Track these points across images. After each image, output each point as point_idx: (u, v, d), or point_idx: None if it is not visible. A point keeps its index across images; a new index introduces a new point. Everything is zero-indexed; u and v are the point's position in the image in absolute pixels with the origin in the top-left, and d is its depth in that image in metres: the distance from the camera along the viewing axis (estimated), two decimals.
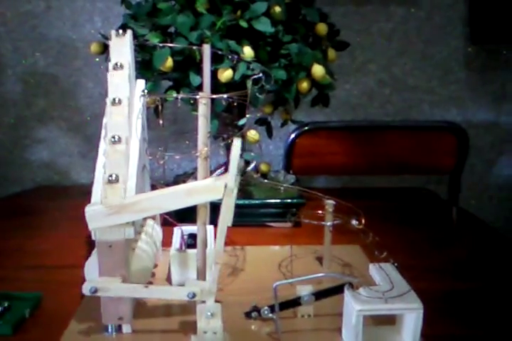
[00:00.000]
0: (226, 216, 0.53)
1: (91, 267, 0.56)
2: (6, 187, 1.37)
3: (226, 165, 0.94)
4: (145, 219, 0.70)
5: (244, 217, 0.93)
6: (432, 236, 0.91)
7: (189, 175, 1.00)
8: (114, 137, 0.55)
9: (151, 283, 0.68)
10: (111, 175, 0.53)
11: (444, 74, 1.38)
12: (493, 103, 1.42)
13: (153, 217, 0.73)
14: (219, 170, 0.55)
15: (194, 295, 0.53)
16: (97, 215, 0.51)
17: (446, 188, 1.34)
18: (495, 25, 1.30)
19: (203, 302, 0.54)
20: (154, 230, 0.69)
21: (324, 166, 1.32)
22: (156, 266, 0.73)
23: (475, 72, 1.38)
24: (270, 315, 0.57)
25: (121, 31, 0.63)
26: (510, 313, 0.64)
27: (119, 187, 0.52)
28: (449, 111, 1.41)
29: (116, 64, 0.59)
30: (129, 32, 0.63)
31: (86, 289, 0.53)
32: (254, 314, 0.58)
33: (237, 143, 0.51)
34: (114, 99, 0.57)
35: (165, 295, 0.56)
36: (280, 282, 0.55)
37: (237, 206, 0.93)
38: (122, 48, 0.61)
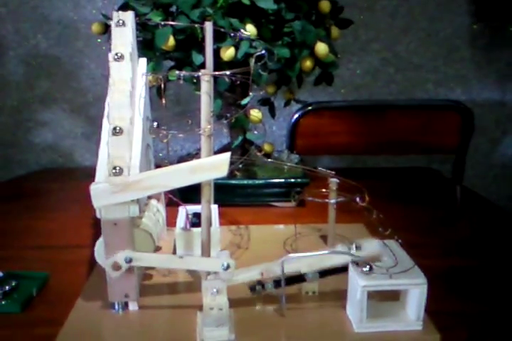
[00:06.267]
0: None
1: (101, 249, 0.56)
2: (10, 170, 1.38)
3: (229, 146, 0.95)
4: (149, 199, 0.70)
5: (248, 196, 0.94)
6: (436, 215, 0.91)
7: (193, 156, 1.00)
8: (115, 128, 0.55)
9: None
10: (115, 167, 0.53)
11: (448, 53, 1.37)
12: (499, 81, 1.41)
13: (158, 197, 0.73)
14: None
15: (228, 267, 0.54)
16: (102, 193, 0.51)
17: (450, 168, 1.34)
18: (500, 2, 1.28)
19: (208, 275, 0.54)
20: (158, 210, 0.69)
21: (328, 146, 1.31)
22: (159, 248, 0.73)
23: (480, 50, 1.37)
24: (274, 289, 0.57)
25: (120, 21, 0.61)
26: None
27: (124, 175, 0.53)
28: (454, 90, 1.41)
29: (117, 54, 0.59)
30: (131, 14, 0.62)
31: (121, 259, 0.54)
32: (258, 287, 0.58)
33: None
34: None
35: (199, 267, 0.56)
36: (286, 257, 0.56)
37: (241, 186, 0.94)
38: (123, 38, 0.60)
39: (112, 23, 0.61)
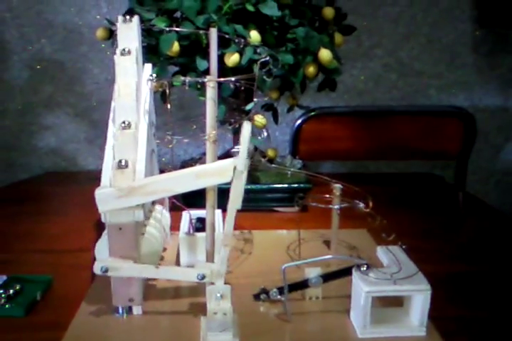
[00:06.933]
0: (235, 199, 0.53)
1: (101, 248, 0.57)
2: (14, 174, 1.38)
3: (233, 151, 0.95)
4: (153, 204, 0.71)
5: (251, 202, 0.94)
6: (438, 221, 0.91)
7: (196, 161, 1.00)
8: (124, 122, 0.55)
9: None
10: (120, 161, 0.53)
11: (451, 59, 1.37)
12: (501, 87, 1.41)
13: (162, 202, 0.73)
14: None
15: (203, 277, 0.54)
16: (107, 198, 0.51)
17: (452, 173, 1.34)
18: (503, 8, 1.29)
19: (212, 284, 0.54)
20: (163, 216, 0.70)
21: (330, 152, 1.31)
22: (164, 249, 0.73)
23: (483, 56, 1.37)
24: (279, 296, 0.57)
25: (128, 17, 0.62)
26: None
27: (129, 171, 0.53)
28: (456, 96, 1.41)
29: (123, 50, 0.59)
30: (136, 17, 0.62)
31: (97, 268, 0.54)
32: (263, 296, 0.58)
33: (247, 127, 0.51)
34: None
35: (175, 276, 0.56)
36: (288, 264, 0.56)
37: (244, 191, 0.94)
38: (129, 34, 0.61)
39: (119, 20, 0.61)
